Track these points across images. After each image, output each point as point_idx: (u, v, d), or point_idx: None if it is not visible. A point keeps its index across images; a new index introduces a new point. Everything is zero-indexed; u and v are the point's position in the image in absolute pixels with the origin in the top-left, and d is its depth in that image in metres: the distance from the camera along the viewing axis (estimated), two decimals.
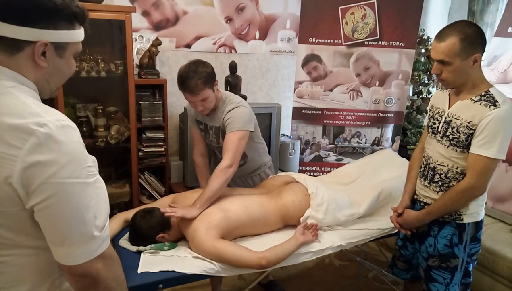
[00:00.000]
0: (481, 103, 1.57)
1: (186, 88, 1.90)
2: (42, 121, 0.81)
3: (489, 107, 1.54)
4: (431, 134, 1.78)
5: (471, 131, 1.58)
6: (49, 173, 0.80)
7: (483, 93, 1.59)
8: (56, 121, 0.83)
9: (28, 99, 0.85)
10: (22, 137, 0.79)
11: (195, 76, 1.87)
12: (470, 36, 1.52)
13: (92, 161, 0.90)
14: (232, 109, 1.99)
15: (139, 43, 2.84)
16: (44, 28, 0.86)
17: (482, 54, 1.57)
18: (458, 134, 1.63)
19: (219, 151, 2.18)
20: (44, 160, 0.79)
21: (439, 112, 1.76)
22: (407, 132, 3.48)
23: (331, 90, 3.16)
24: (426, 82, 3.48)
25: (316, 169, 3.26)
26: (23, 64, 0.88)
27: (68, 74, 0.98)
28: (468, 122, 1.59)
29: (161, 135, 2.71)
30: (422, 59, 3.47)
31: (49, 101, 2.49)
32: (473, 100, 1.60)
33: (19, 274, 0.92)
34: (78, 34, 0.94)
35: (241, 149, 1.96)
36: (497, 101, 1.55)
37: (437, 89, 2.54)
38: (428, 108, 1.90)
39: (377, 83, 3.14)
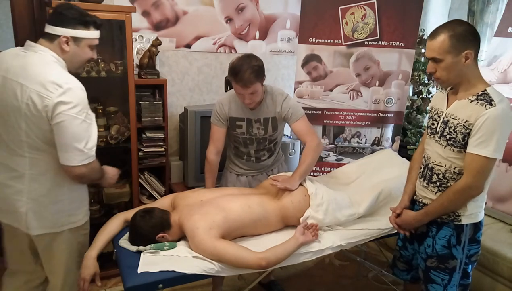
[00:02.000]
0: (477, 102, 1.57)
1: (239, 80, 1.96)
2: (67, 81, 1.52)
3: (485, 107, 1.54)
4: (430, 135, 1.78)
5: (468, 131, 1.58)
6: (65, 108, 1.49)
7: (480, 93, 1.59)
8: (75, 83, 1.54)
9: (61, 70, 1.57)
10: (56, 87, 1.49)
11: (249, 69, 1.94)
12: (459, 32, 1.53)
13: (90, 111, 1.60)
14: (285, 99, 2.16)
15: (139, 43, 2.84)
16: (67, 28, 1.58)
17: (475, 52, 1.57)
18: (455, 134, 1.62)
19: (259, 142, 2.23)
20: (64, 100, 1.49)
21: (437, 113, 1.76)
22: (407, 132, 3.47)
23: (331, 90, 3.16)
24: (426, 82, 3.48)
25: (316, 169, 3.26)
26: (57, 48, 1.59)
27: (84, 58, 1.67)
28: (465, 122, 1.59)
29: (161, 135, 2.71)
30: (422, 59, 3.46)
31: None
32: (470, 99, 1.60)
33: (44, 167, 1.61)
34: (90, 33, 1.63)
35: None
36: (493, 100, 1.55)
37: (437, 89, 2.54)
38: (428, 109, 1.90)
39: (377, 83, 3.13)
